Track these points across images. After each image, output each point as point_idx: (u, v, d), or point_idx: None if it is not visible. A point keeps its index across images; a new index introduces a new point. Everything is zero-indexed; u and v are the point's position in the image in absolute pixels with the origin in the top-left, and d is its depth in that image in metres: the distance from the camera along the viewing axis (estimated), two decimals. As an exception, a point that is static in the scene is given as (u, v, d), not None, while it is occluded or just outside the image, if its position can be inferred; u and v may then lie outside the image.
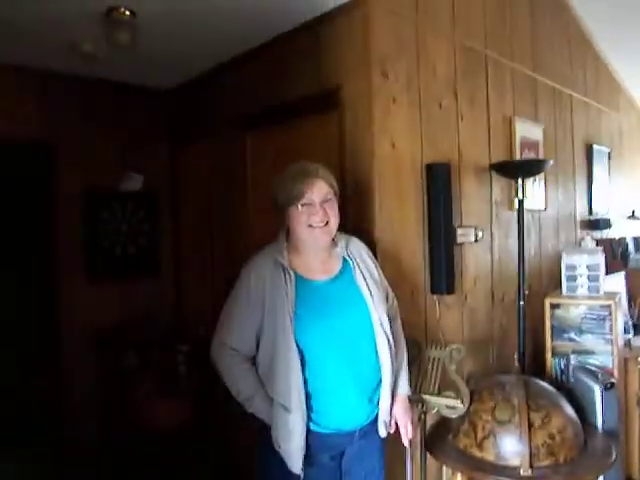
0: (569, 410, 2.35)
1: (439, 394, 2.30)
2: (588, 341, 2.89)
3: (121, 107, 3.67)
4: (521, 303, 2.78)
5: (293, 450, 1.70)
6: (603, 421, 2.58)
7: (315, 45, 2.64)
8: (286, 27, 2.75)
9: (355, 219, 2.40)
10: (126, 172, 3.62)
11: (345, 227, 2.00)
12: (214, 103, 3.42)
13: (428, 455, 2.39)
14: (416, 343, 2.37)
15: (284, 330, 1.71)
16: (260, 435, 1.80)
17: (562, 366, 2.89)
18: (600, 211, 4.23)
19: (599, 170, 4.38)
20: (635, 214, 5.02)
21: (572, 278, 3.03)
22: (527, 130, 3.34)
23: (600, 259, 3.01)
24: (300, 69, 2.74)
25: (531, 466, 2.13)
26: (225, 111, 3.30)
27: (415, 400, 2.25)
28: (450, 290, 2.61)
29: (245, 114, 3.11)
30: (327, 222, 1.80)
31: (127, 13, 2.51)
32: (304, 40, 2.71)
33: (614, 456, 2.29)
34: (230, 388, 1.82)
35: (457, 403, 2.27)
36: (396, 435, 1.94)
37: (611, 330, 2.86)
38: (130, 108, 3.72)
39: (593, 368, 2.78)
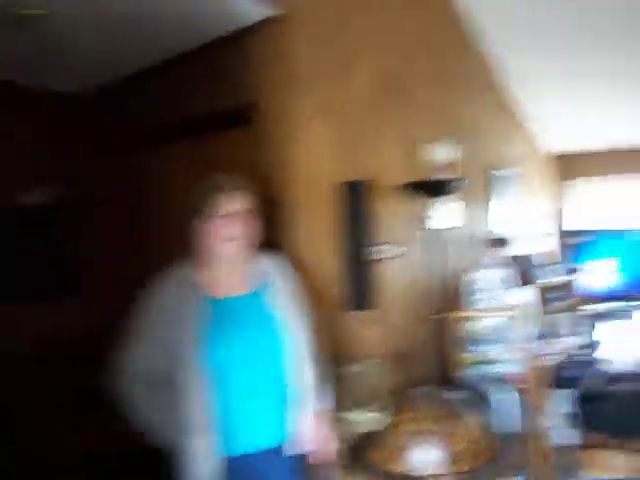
0: (481, 418, 2.46)
1: (359, 409, 2.33)
2: (497, 351, 3.04)
3: (29, 112, 3.45)
4: (437, 317, 2.88)
5: (201, 477, 1.63)
6: (512, 427, 2.72)
7: (236, 58, 2.64)
8: (208, 37, 2.70)
9: (271, 235, 2.36)
10: (33, 184, 3.43)
11: (262, 243, 2.00)
12: (133, 110, 3.34)
13: (346, 472, 2.39)
14: (335, 359, 2.39)
15: (190, 351, 1.65)
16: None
17: (474, 376, 3.02)
18: (504, 230, 4.50)
19: (506, 192, 4.68)
20: (539, 233, 5.39)
21: (477, 292, 3.18)
22: (440, 152, 3.51)
23: (504, 273, 3.20)
24: (219, 82, 2.74)
25: (446, 474, 2.20)
26: (145, 120, 3.23)
27: (334, 417, 2.27)
28: (368, 306, 2.67)
29: (164, 124, 3.06)
30: (242, 236, 1.77)
31: (31, 12, 2.34)
32: (225, 52, 2.70)
33: (524, 460, 2.42)
34: (131, 415, 1.72)
35: (377, 417, 2.30)
36: (313, 453, 1.90)
37: (517, 340, 3.02)
38: (40, 114, 3.51)
39: (502, 376, 2.92)
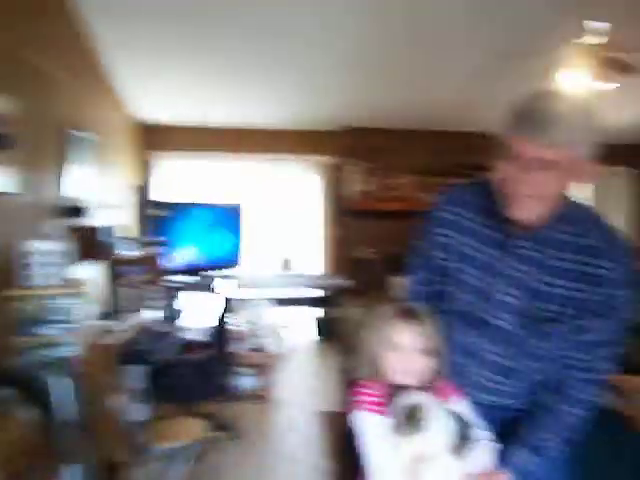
0: (35, 411, 2.14)
1: None
2: (54, 332, 2.70)
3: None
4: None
5: None
6: (75, 413, 2.48)
7: None
8: None
9: None
10: None
11: None
12: None
13: None
14: None
15: None
16: None
17: (29, 363, 2.62)
18: (79, 198, 4.09)
19: (85, 157, 4.28)
20: (119, 204, 5.20)
21: (31, 267, 2.76)
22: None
23: (69, 246, 2.87)
24: None
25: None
26: None
27: None
28: None
29: None
30: None
31: None
32: None
33: (88, 446, 2.22)
34: None
35: None
36: None
37: (80, 319, 2.75)
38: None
39: (63, 360, 2.62)
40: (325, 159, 6.77)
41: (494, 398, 1.48)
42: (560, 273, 1.34)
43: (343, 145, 6.71)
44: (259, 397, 4.35)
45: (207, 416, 3.43)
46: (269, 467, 3.32)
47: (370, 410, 1.41)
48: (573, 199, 1.38)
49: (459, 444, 1.35)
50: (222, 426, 3.68)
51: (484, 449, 1.40)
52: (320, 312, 6.72)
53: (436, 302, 1.55)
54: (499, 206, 1.35)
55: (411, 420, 1.31)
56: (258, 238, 6.62)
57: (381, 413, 1.40)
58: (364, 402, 1.42)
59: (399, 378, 1.43)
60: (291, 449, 3.56)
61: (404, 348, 1.42)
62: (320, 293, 6.73)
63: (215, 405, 3.73)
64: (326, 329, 6.45)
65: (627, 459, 1.75)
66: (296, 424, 3.96)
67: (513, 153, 1.24)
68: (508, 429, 1.48)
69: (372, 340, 1.47)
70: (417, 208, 7.13)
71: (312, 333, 6.52)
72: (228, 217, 5.98)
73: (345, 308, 6.07)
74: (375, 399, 1.43)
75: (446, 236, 1.48)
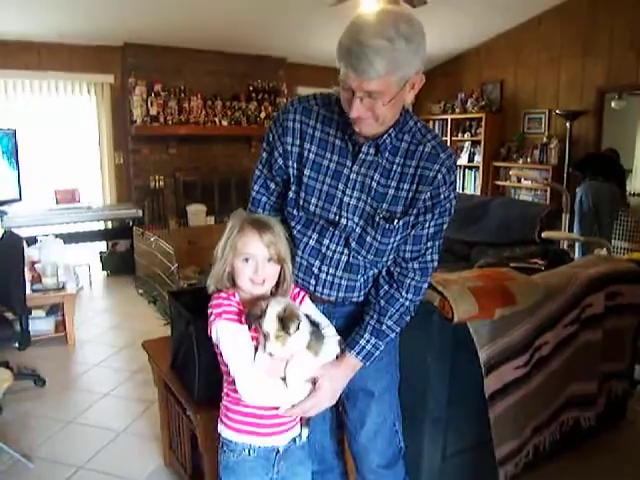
0: None
1: None
2: None
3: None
4: None
5: None
6: None
7: None
8: None
9: None
10: None
11: None
12: None
13: None
14: None
15: None
16: None
17: None
18: None
19: None
20: None
21: None
22: None
23: None
24: None
25: None
26: None
27: None
28: None
29: None
30: None
31: None
32: None
33: None
34: None
35: None
36: None
37: None
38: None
39: None
40: (106, 78, 6.14)
41: (340, 294, 1.58)
42: (396, 176, 1.47)
43: (127, 64, 6.13)
44: (58, 339, 4.03)
45: (4, 364, 3.08)
46: (82, 408, 3.12)
47: (229, 320, 1.41)
48: (409, 111, 1.50)
49: (313, 342, 1.44)
50: (23, 374, 3.35)
51: (332, 343, 1.51)
52: (104, 246, 6.33)
53: (280, 209, 1.60)
54: (345, 118, 1.42)
55: (286, 323, 1.35)
56: (36, 168, 5.84)
57: (239, 322, 1.42)
58: (223, 312, 1.42)
59: (254, 288, 1.46)
60: (103, 387, 3.38)
61: (256, 258, 1.44)
62: (107, 226, 6.30)
63: (11, 353, 3.35)
64: (114, 263, 6.09)
65: (435, 342, 2.02)
66: (104, 361, 3.77)
67: (343, 82, 1.32)
68: (350, 321, 1.61)
69: (225, 254, 1.46)
70: (208, 132, 6.99)
71: (99, 268, 6.12)
72: (2, 144, 5.14)
73: (136, 239, 5.78)
74: (233, 309, 1.44)
75: (291, 144, 1.50)
